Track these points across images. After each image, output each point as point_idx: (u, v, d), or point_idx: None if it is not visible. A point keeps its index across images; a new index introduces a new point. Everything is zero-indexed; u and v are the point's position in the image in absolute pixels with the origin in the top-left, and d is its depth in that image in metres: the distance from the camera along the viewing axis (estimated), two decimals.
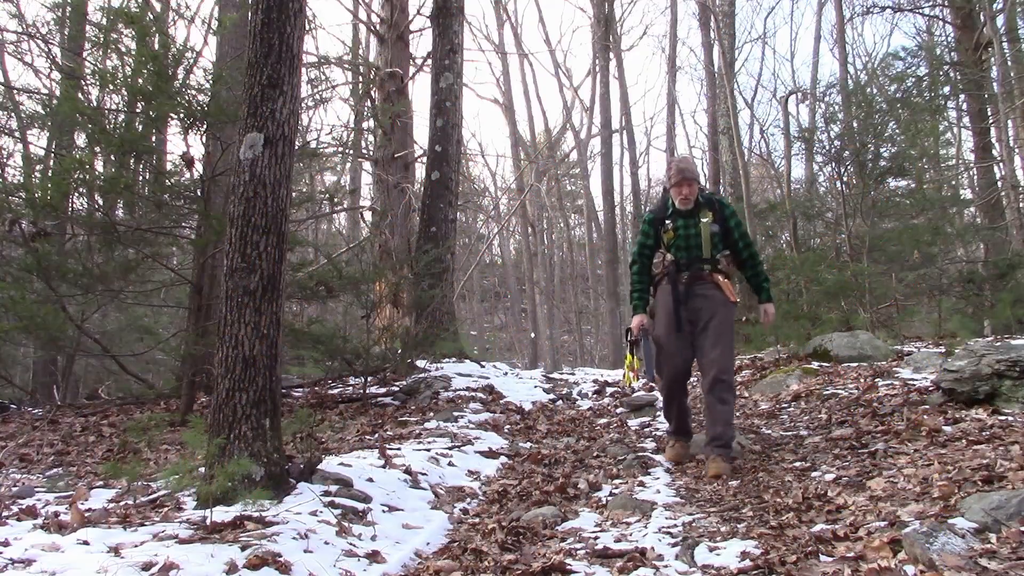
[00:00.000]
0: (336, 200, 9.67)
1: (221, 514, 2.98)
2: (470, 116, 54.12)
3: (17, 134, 9.89)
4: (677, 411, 4.34)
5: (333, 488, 3.48)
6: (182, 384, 6.26)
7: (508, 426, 5.78)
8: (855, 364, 6.40)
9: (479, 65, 55.46)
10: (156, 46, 5.88)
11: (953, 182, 13.54)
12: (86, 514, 3.16)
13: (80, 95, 7.05)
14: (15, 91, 9.92)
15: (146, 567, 2.40)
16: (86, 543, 2.66)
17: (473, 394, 6.71)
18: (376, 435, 5.29)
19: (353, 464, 3.97)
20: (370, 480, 3.72)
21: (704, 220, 4.24)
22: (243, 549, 2.60)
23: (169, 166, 7.11)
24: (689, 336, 4.17)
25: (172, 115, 6.12)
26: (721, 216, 4.28)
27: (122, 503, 3.45)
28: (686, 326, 4.16)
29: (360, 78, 12.26)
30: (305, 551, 2.70)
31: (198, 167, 6.31)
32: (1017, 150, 11.59)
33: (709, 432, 4.10)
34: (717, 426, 4.03)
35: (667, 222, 4.32)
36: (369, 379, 7.09)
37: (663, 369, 4.21)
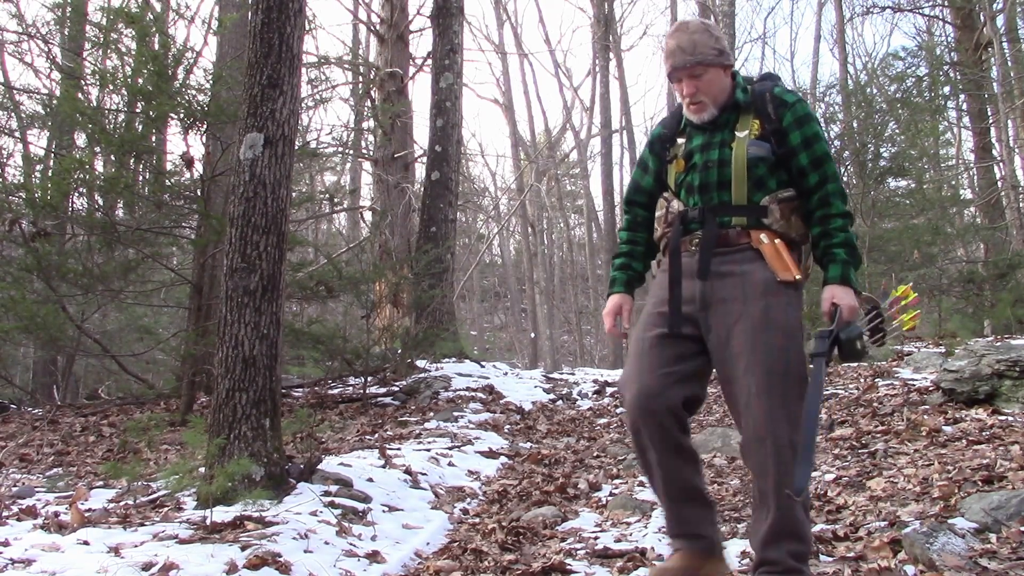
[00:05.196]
0: (336, 200, 9.70)
1: (221, 514, 2.98)
2: (470, 116, 53.93)
3: (17, 134, 9.90)
4: (663, 485, 2.21)
5: (333, 488, 3.48)
6: (182, 384, 6.26)
7: (508, 426, 5.78)
8: (855, 364, 6.40)
9: (479, 65, 55.25)
10: (156, 46, 5.89)
11: (953, 182, 13.55)
12: (86, 514, 3.16)
13: (80, 95, 7.05)
14: (15, 91, 9.94)
15: (146, 567, 2.40)
16: (86, 543, 2.66)
17: (473, 394, 6.71)
18: (376, 435, 5.30)
19: (353, 464, 3.97)
20: (370, 480, 3.72)
21: (740, 135, 2.22)
22: (243, 549, 2.60)
23: (169, 166, 7.12)
24: (696, 347, 2.22)
25: (172, 115, 6.12)
26: (777, 126, 2.21)
27: (122, 503, 3.45)
28: (687, 327, 2.21)
29: (360, 78, 12.25)
30: (305, 551, 2.70)
31: (198, 167, 6.32)
32: (1017, 150, 11.60)
33: (756, 547, 2.12)
34: (769, 537, 2.06)
35: (678, 142, 2.35)
36: (369, 379, 7.09)
37: (623, 395, 2.29)
